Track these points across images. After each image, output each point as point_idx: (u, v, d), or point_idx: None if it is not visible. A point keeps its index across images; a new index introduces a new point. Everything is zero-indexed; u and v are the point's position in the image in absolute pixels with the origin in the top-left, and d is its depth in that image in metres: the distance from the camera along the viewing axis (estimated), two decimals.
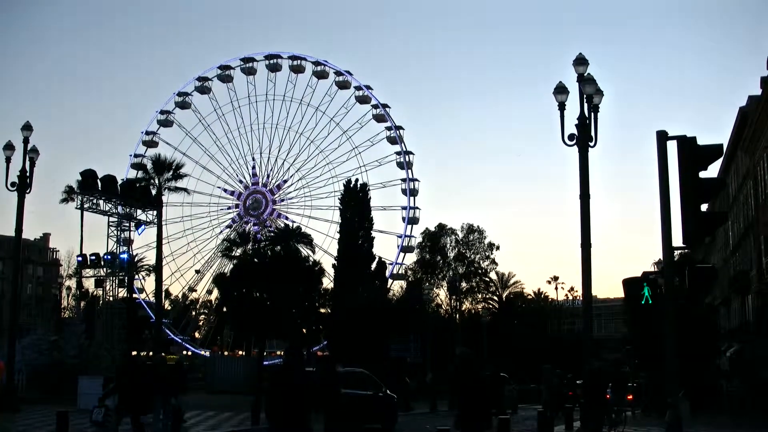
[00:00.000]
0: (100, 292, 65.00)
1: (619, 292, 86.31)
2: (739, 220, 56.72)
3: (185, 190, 63.77)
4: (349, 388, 25.31)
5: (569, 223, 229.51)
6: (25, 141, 31.99)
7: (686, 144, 12.03)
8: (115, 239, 60.25)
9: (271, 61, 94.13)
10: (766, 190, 45.95)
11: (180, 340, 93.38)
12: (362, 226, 75.82)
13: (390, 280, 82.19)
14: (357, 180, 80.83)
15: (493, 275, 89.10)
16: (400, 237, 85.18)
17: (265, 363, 63.25)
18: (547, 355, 61.41)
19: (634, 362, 61.00)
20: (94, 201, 57.56)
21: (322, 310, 71.42)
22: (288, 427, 11.28)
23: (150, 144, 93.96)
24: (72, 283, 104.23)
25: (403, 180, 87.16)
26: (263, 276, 59.62)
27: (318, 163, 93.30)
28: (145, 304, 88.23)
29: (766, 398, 42.17)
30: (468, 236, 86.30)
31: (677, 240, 11.87)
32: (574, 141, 22.38)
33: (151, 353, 64.52)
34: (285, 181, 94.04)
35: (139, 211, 60.99)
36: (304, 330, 67.14)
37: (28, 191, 32.21)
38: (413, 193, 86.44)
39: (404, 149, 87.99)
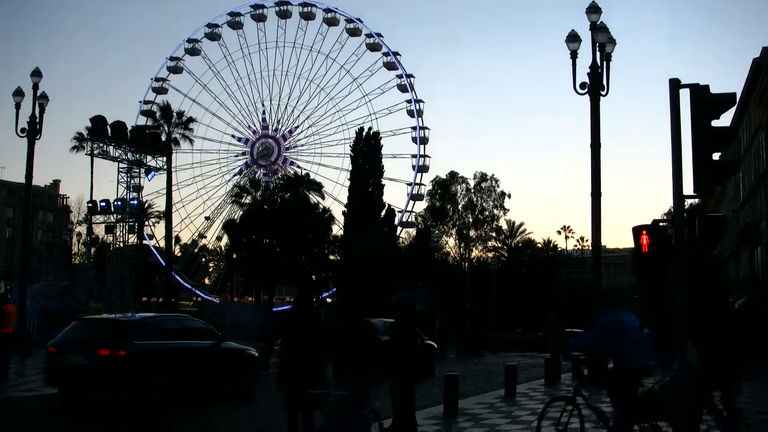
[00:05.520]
0: (111, 239, 65.26)
1: (629, 242, 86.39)
2: (750, 173, 56.28)
3: (191, 140, 64.32)
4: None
5: (581, 173, 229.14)
6: (35, 87, 31.77)
7: (699, 92, 11.86)
8: (125, 185, 60.27)
9: (282, 8, 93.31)
10: None
11: (190, 287, 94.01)
12: (373, 174, 75.79)
13: (399, 228, 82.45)
14: (370, 128, 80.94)
15: (503, 223, 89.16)
16: (409, 185, 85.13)
17: (274, 309, 63.77)
18: (556, 304, 61.55)
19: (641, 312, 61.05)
20: (104, 147, 57.56)
21: (332, 257, 71.74)
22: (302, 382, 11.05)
23: (159, 91, 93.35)
24: (82, 229, 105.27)
25: (414, 128, 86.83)
26: (273, 223, 59.88)
27: (328, 110, 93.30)
28: (155, 251, 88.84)
29: None
30: (480, 184, 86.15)
31: (688, 189, 11.75)
32: (586, 90, 22.22)
33: (161, 299, 65.10)
34: (295, 128, 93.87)
35: (149, 158, 61.02)
36: (314, 276, 67.54)
37: (38, 138, 32.11)
38: (423, 141, 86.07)
39: (415, 97, 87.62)
